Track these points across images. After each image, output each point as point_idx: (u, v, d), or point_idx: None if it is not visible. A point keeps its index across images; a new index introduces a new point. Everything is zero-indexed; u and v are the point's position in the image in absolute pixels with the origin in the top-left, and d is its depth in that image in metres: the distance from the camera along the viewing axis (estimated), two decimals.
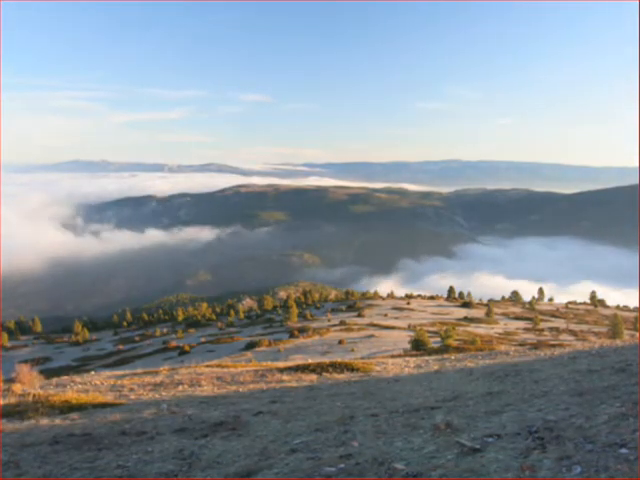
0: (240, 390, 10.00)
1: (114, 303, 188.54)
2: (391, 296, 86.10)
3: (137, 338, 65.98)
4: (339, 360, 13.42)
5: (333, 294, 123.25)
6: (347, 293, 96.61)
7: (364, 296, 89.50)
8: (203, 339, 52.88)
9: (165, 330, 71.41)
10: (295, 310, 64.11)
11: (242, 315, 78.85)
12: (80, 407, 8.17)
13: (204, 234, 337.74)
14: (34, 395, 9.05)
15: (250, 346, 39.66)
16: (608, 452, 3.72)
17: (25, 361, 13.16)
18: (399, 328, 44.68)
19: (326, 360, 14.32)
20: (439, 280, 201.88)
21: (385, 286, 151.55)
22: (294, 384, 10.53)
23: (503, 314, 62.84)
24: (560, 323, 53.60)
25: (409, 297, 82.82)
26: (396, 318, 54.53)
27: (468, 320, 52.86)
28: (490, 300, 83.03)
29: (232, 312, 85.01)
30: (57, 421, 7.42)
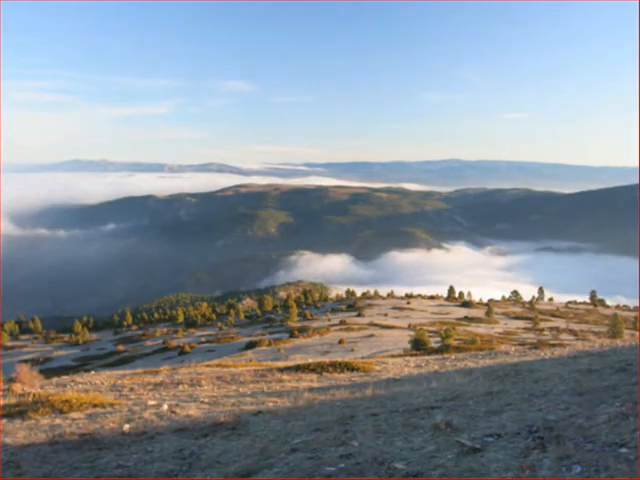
0: (240, 390, 9.99)
1: (114, 303, 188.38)
2: (391, 296, 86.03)
3: (137, 338, 65.96)
4: (339, 360, 13.41)
5: (333, 293, 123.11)
6: (347, 292, 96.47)
7: (364, 296, 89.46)
8: (203, 339, 52.88)
9: (165, 330, 71.38)
10: (295, 310, 64.10)
11: (242, 315, 78.80)
12: (80, 407, 8.17)
13: (203, 234, 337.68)
14: (34, 395, 9.04)
15: (250, 346, 39.69)
16: (608, 452, 3.72)
17: (25, 361, 13.16)
18: (399, 328, 44.69)
19: (326, 360, 14.32)
20: (440, 280, 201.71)
21: (385, 285, 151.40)
22: (294, 384, 10.53)
23: (503, 314, 62.84)
24: (560, 323, 53.60)
25: (409, 297, 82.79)
26: (396, 318, 54.54)
27: (468, 320, 52.89)
28: (490, 300, 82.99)
29: (232, 312, 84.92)
30: (57, 421, 7.42)
